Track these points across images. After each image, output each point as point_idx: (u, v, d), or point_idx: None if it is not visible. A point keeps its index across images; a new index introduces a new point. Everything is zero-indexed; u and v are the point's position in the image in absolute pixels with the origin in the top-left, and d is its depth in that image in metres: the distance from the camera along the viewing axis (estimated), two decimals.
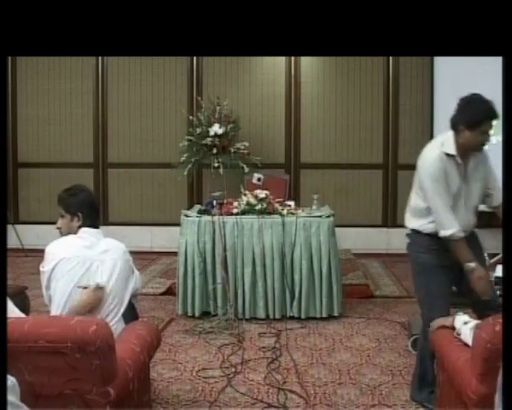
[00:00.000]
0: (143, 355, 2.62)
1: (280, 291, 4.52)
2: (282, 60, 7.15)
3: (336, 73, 7.17)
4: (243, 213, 4.62)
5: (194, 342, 4.08)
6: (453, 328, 2.58)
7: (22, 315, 2.52)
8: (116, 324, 2.70)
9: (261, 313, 4.54)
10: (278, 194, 5.05)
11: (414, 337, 3.81)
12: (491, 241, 6.24)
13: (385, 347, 3.97)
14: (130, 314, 3.07)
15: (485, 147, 2.88)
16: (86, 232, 2.80)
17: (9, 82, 7.32)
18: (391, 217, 7.23)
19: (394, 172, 7.20)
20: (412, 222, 3.05)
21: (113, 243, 2.84)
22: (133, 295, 2.89)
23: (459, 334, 2.51)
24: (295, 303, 4.52)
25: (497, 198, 2.92)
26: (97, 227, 2.87)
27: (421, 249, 3.00)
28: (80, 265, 2.69)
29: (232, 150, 6.36)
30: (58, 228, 2.87)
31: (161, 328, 4.25)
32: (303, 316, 4.51)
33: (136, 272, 2.94)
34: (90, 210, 2.85)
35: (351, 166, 7.21)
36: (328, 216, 4.62)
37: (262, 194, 4.70)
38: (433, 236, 2.92)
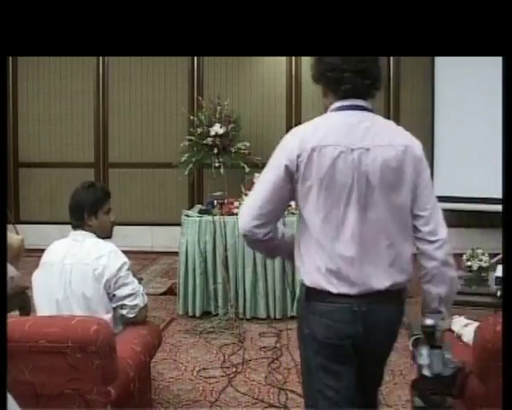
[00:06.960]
0: (144, 355, 2.62)
1: (281, 291, 4.52)
2: (282, 60, 7.14)
3: None
4: None
5: (195, 341, 4.08)
6: (450, 330, 2.58)
7: None
8: None
9: (262, 313, 4.53)
10: None
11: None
12: (491, 241, 6.26)
13: None
14: None
15: None
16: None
17: (10, 82, 7.31)
18: None
19: None
20: None
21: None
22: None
23: (460, 336, 2.51)
24: (296, 303, 4.52)
25: None
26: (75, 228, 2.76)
27: None
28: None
29: (233, 150, 6.35)
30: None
31: (162, 328, 4.25)
32: None
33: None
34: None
35: None
36: None
37: None
38: None
